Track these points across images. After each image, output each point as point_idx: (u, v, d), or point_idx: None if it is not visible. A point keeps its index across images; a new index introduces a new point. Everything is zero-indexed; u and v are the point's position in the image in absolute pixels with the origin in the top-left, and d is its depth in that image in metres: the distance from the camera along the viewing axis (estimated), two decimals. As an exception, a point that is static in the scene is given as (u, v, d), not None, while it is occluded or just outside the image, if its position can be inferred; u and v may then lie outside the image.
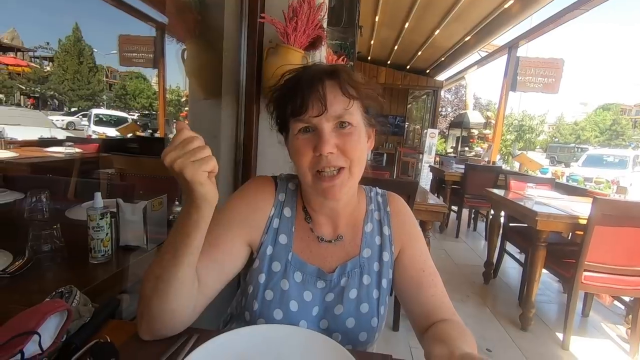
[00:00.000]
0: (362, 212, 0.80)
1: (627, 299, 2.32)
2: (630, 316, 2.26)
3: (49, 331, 0.55)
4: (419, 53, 7.43)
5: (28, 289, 0.83)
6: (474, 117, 10.90)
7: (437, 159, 6.78)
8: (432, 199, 2.42)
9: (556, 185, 3.50)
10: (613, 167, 10.54)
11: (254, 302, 0.71)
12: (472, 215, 5.06)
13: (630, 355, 2.19)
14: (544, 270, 2.37)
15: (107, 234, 0.98)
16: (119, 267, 0.98)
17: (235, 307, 0.83)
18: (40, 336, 0.52)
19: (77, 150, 3.21)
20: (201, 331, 0.65)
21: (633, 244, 2.05)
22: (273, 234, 0.75)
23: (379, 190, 0.85)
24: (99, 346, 0.57)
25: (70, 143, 3.32)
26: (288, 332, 0.65)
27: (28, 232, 0.97)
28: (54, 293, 0.66)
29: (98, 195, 0.98)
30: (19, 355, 0.49)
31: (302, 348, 0.61)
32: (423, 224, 2.18)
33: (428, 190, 4.06)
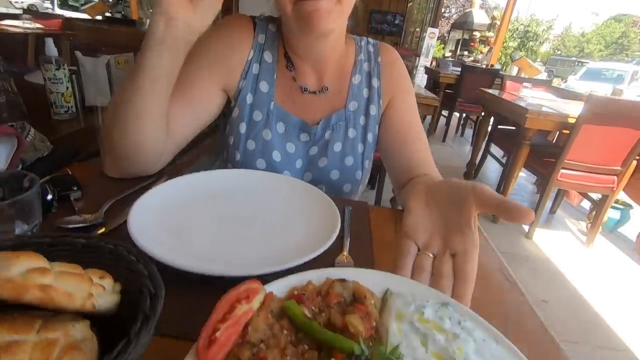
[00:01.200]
0: (350, 63, 0.72)
1: (595, 197, 2.45)
2: (594, 212, 2.43)
3: (-3, 155, 0.50)
4: None
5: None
6: (479, 16, 10.00)
7: (434, 62, 6.39)
8: (425, 92, 2.33)
9: (552, 88, 3.41)
10: (610, 81, 10.30)
11: (236, 153, 0.68)
12: (462, 122, 5.03)
13: (586, 245, 2.41)
14: (522, 174, 2.43)
15: (67, 88, 0.90)
16: (86, 124, 0.92)
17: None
18: (-15, 156, 0.47)
19: (38, 25, 2.86)
20: (172, 173, 0.62)
21: (615, 143, 2.07)
22: (253, 80, 0.68)
23: (371, 40, 0.76)
24: (59, 177, 0.54)
25: (27, 16, 2.95)
26: (265, 175, 0.64)
27: (-23, 83, 0.87)
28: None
29: (49, 41, 0.86)
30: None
31: (279, 188, 0.60)
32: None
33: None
